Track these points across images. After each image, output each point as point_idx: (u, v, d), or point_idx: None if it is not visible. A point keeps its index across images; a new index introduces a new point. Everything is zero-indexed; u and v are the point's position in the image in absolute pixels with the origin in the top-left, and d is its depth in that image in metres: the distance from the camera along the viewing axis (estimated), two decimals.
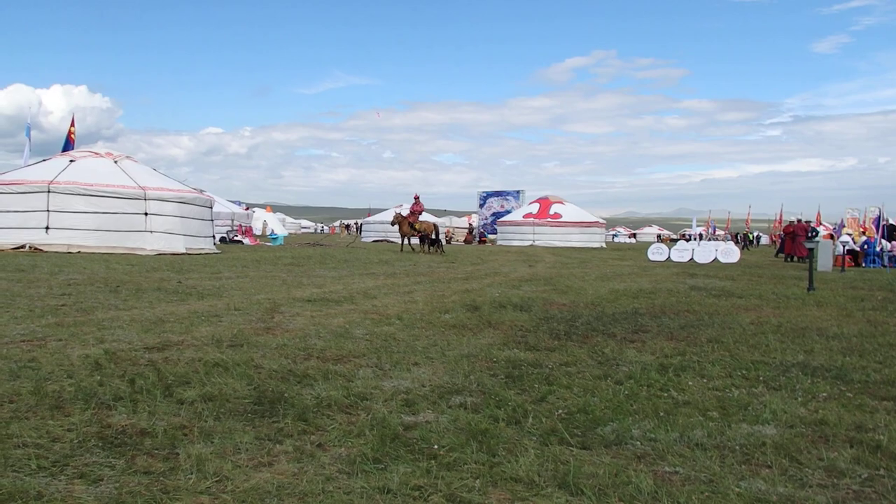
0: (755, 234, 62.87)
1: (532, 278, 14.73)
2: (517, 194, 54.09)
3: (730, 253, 25.99)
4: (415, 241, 28.44)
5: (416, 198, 29.40)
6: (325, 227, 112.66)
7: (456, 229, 57.79)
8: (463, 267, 18.55)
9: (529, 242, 43.55)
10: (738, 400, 4.49)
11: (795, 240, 27.21)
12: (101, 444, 3.31)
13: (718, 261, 25.27)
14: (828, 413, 4.19)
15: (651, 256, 26.34)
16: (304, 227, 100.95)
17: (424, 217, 30.41)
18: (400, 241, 28.03)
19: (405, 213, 28.65)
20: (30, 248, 18.39)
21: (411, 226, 27.70)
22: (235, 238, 33.26)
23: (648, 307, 9.63)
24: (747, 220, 62.30)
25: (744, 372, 5.36)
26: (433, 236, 27.44)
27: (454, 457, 3.31)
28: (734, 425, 3.92)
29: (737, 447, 3.54)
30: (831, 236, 30.46)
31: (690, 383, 4.95)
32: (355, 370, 5.09)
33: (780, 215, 48.22)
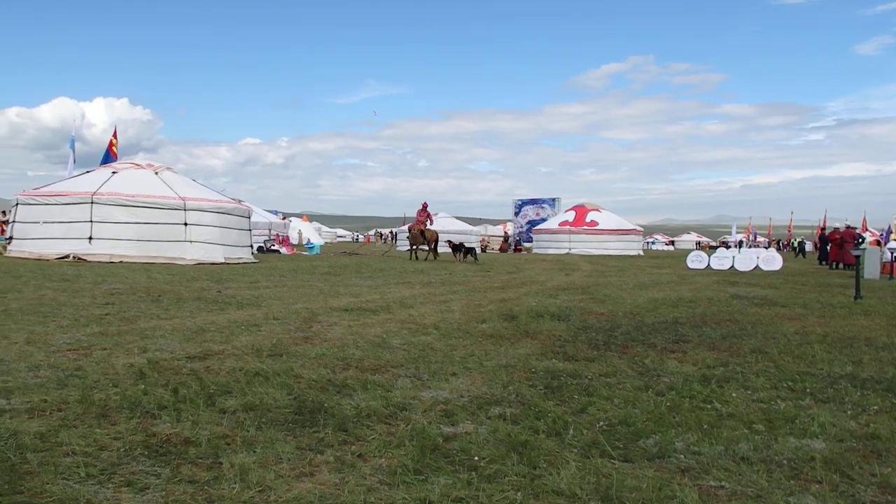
0: (799, 240, 61.91)
1: (569, 287, 14.64)
2: (553, 202, 53.90)
3: (771, 260, 25.57)
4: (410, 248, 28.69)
5: (424, 206, 28.64)
6: (360, 236, 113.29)
7: (491, 238, 57.71)
8: (499, 276, 18.50)
9: (565, 250, 43.33)
10: (785, 412, 4.40)
11: (843, 247, 26.69)
12: (146, 453, 3.35)
13: (760, 268, 24.87)
14: (879, 427, 4.08)
15: (690, 264, 26.00)
16: (340, 236, 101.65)
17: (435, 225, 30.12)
18: (429, 250, 28.23)
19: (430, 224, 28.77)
20: (74, 257, 18.76)
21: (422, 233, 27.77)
22: (272, 247, 33.58)
23: (689, 316, 9.51)
24: (789, 227, 61.35)
25: (789, 383, 5.26)
26: (434, 245, 27.67)
27: (494, 469, 3.29)
28: (781, 439, 3.85)
29: (784, 461, 3.47)
30: (878, 242, 29.83)
31: (734, 395, 4.87)
32: (393, 380, 5.10)
33: (824, 221, 47.40)
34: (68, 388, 4.51)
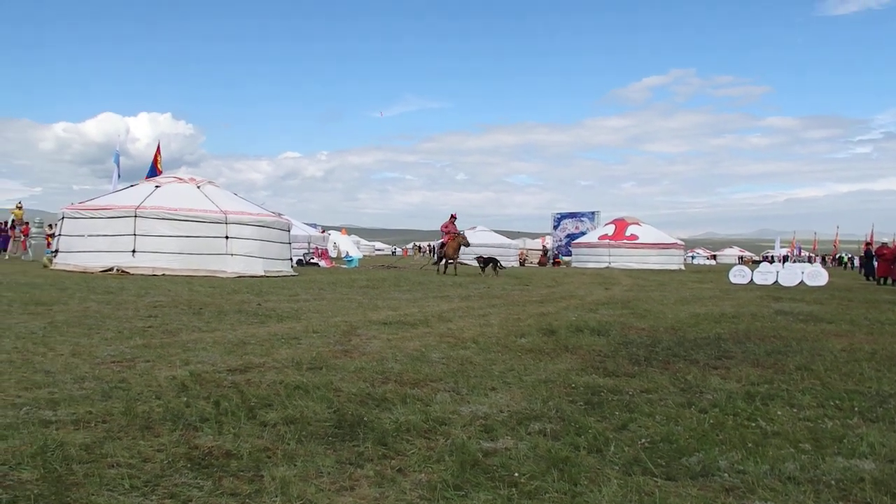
0: (850, 255, 60.51)
1: (609, 301, 14.51)
2: (592, 215, 53.64)
3: (817, 276, 25.07)
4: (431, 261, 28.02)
5: (453, 217, 27.22)
6: (398, 250, 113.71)
7: (529, 251, 57.55)
8: (537, 290, 18.42)
9: (605, 264, 43.01)
10: (832, 432, 4.30)
11: (894, 262, 26.12)
12: (189, 465, 3.39)
13: (805, 284, 24.41)
14: None
15: (732, 279, 25.62)
16: (378, 250, 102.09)
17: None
18: (478, 266, 27.26)
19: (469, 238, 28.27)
20: (117, 270, 19.10)
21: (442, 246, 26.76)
22: (312, 260, 33.85)
23: (732, 332, 9.35)
24: (835, 241, 60.18)
25: (837, 402, 5.14)
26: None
27: (535, 485, 3.26)
28: (828, 458, 3.75)
29: (832, 482, 3.39)
30: None
31: (779, 413, 4.77)
32: (433, 394, 5.09)
33: (871, 236, 46.38)
34: (113, 399, 4.58)
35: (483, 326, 9.30)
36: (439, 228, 27.36)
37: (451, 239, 26.28)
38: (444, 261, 26.52)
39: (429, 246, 72.93)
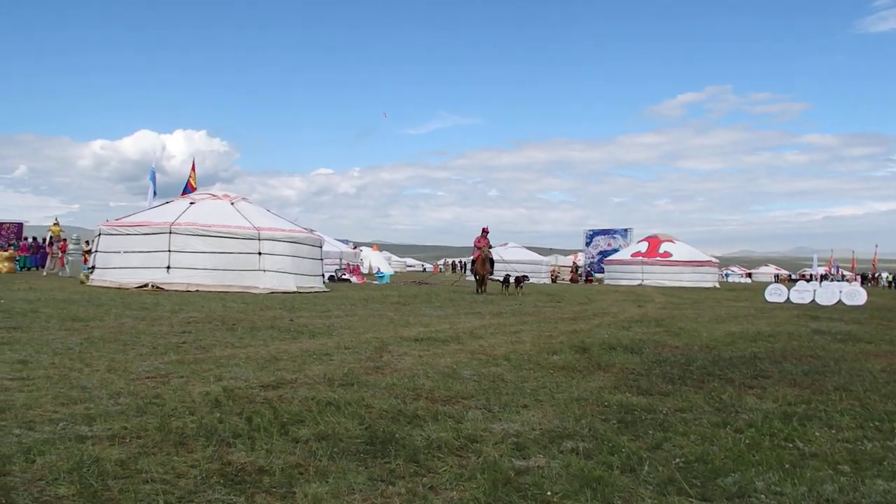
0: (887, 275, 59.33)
1: (642, 319, 14.38)
2: (625, 232, 53.39)
3: (855, 295, 24.60)
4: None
5: (485, 231, 25.37)
6: (429, 266, 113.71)
7: (561, 268, 57.32)
8: (570, 307, 18.31)
9: (638, 282, 42.67)
10: (872, 453, 4.20)
11: None
12: (222, 481, 3.40)
13: (843, 303, 23.96)
14: None
15: (769, 297, 25.25)
16: (409, 266, 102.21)
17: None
18: (502, 283, 25.89)
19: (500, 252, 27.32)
20: (152, 286, 19.33)
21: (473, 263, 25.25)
22: (343, 276, 34.01)
23: (768, 351, 9.21)
24: (874, 260, 59.12)
25: (876, 423, 5.02)
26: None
27: None
28: (868, 481, 3.67)
29: None
30: None
31: (817, 434, 4.68)
32: (464, 411, 5.07)
33: None
34: (147, 415, 4.63)
35: (515, 343, 9.26)
36: (472, 244, 25.66)
37: (478, 255, 24.95)
38: (478, 278, 25.03)
39: (460, 262, 72.87)
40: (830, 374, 7.32)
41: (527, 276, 25.00)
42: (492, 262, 25.35)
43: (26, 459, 3.58)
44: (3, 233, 40.29)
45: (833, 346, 10.13)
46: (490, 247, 25.12)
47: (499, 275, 27.70)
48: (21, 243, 37.64)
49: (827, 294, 24.55)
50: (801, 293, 25.12)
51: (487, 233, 25.32)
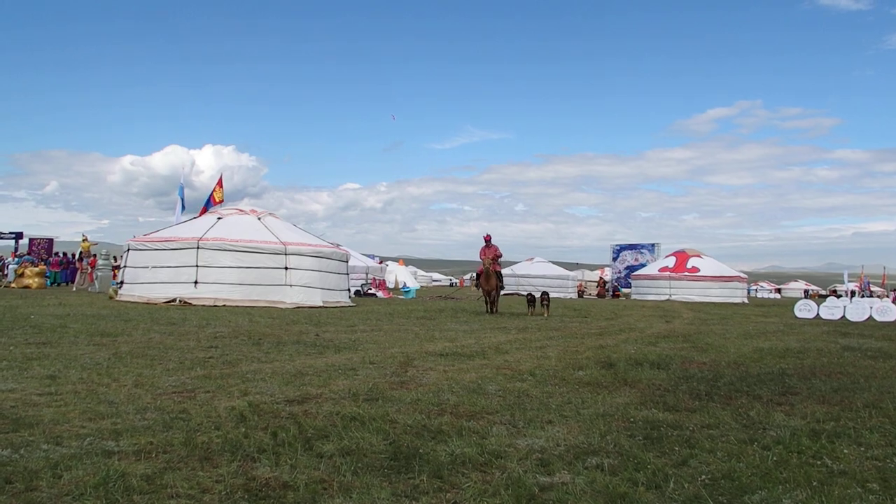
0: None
1: (669, 335, 14.25)
2: (652, 247, 53.03)
3: (887, 311, 24.18)
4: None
5: (487, 239, 21.47)
6: (455, 280, 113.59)
7: (588, 283, 57.01)
8: (596, 322, 18.20)
9: (665, 297, 42.28)
10: None
11: None
12: (247, 497, 3.42)
13: (874, 319, 23.57)
14: None
15: (798, 313, 24.89)
16: (435, 280, 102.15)
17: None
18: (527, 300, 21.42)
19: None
20: (180, 301, 19.49)
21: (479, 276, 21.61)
22: (369, 291, 34.10)
23: (797, 368, 9.08)
24: None
25: None
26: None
27: None
28: None
29: None
30: None
31: (846, 451, 4.60)
32: (489, 427, 5.05)
33: None
34: (173, 430, 4.66)
35: (540, 359, 9.22)
36: (479, 257, 21.59)
37: (481, 269, 21.34)
38: (485, 296, 21.46)
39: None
40: (860, 391, 7.20)
41: (547, 293, 21.43)
42: (500, 275, 21.66)
43: (53, 474, 3.63)
44: (34, 249, 40.97)
45: (863, 362, 9.97)
46: (497, 257, 21.36)
47: (513, 289, 26.01)
48: (52, 259, 38.21)
49: (857, 310, 24.16)
50: (831, 309, 24.73)
51: (490, 240, 21.40)
